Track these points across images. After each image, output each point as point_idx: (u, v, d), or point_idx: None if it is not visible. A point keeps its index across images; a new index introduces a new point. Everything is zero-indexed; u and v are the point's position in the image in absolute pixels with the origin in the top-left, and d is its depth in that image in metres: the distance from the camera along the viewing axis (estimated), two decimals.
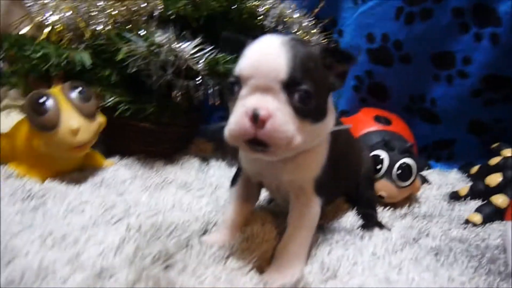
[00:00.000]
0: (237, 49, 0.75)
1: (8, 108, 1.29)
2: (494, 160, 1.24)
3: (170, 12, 1.15)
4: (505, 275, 0.82)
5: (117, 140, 1.38)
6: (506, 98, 1.39)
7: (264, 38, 0.72)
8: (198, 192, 1.16)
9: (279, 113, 0.66)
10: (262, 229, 0.89)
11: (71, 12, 1.21)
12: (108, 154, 1.38)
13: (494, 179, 1.17)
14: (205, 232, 0.93)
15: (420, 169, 1.42)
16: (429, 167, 1.48)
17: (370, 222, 1.02)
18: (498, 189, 1.14)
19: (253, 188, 0.92)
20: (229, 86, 0.72)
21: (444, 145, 1.54)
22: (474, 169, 1.34)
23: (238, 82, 0.69)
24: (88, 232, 0.86)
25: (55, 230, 0.85)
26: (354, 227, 1.00)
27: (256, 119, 0.65)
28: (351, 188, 1.07)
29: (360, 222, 1.03)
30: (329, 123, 0.78)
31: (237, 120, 0.67)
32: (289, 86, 0.67)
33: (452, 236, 0.98)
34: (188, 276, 0.74)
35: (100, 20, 1.23)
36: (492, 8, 1.31)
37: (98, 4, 1.23)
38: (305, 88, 0.67)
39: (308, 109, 0.68)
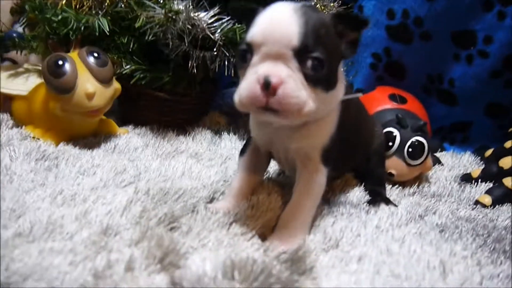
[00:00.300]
0: (247, 18, 0.74)
1: (28, 72, 1.31)
2: (510, 143, 1.21)
3: None
4: (510, 254, 0.81)
5: (132, 109, 1.41)
6: None
7: (275, 5, 0.71)
8: (208, 162, 1.18)
9: (290, 80, 0.66)
10: (268, 198, 0.90)
11: None
12: (123, 122, 1.41)
13: (508, 161, 1.15)
14: (212, 200, 0.94)
15: (433, 150, 1.41)
16: (443, 149, 1.45)
17: (377, 198, 1.01)
18: (511, 172, 1.12)
19: (261, 158, 0.93)
20: (240, 54, 0.72)
21: (460, 127, 1.51)
22: (488, 152, 1.31)
23: (250, 50, 0.69)
24: (98, 193, 0.88)
25: (66, 189, 0.88)
26: (360, 201, 1.00)
27: (267, 86, 0.65)
28: (361, 163, 1.07)
29: (367, 197, 1.03)
30: (339, 92, 0.77)
31: (248, 87, 0.67)
32: (301, 53, 0.66)
33: (460, 216, 0.97)
34: (191, 238, 0.76)
35: None
36: None
37: None
38: (317, 56, 0.67)
39: (319, 76, 0.68)
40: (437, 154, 1.39)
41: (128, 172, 1.03)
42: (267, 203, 0.89)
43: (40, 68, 1.32)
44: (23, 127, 1.18)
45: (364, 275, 0.69)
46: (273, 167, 1.11)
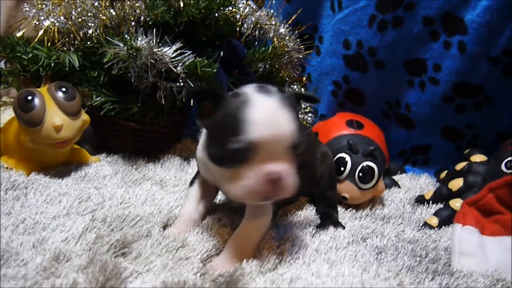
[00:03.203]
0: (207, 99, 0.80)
1: (5, 105, 1.38)
2: (460, 165, 1.27)
3: (148, 18, 1.22)
4: (440, 274, 0.86)
5: (105, 138, 1.48)
6: (476, 105, 1.42)
7: (263, 100, 0.75)
8: (172, 188, 1.23)
9: (290, 173, 0.75)
10: (216, 224, 0.96)
11: (63, 17, 1.30)
12: (96, 150, 1.47)
13: (457, 183, 1.20)
14: (166, 225, 1.00)
15: (393, 172, 1.47)
16: (403, 171, 1.51)
17: (327, 221, 1.07)
18: (458, 194, 1.18)
19: (209, 189, 0.99)
20: (237, 151, 0.73)
21: (420, 150, 1.57)
22: (443, 174, 1.37)
23: (251, 147, 0.73)
24: (58, 221, 0.94)
25: (28, 218, 0.94)
26: (309, 224, 1.05)
27: (276, 182, 0.74)
28: (310, 187, 1.12)
29: (318, 221, 1.08)
30: None
31: (253, 184, 0.74)
32: (294, 148, 0.76)
33: (404, 237, 1.02)
34: (138, 264, 0.81)
35: (91, 25, 1.32)
36: (459, 17, 1.35)
37: (89, 10, 1.32)
38: (300, 144, 0.76)
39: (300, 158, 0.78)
40: (397, 177, 1.44)
41: (92, 200, 1.08)
42: (215, 228, 0.95)
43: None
44: None
45: None
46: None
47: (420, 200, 1.26)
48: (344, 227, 1.06)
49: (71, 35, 1.32)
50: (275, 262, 0.86)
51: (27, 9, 1.33)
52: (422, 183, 1.40)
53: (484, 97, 1.40)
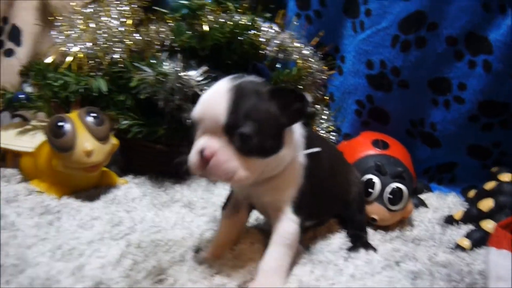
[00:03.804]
0: None
1: (35, 129, 1.41)
2: (489, 185, 1.26)
3: (175, 44, 1.25)
4: None
5: (132, 159, 1.49)
6: (503, 123, 1.42)
7: (216, 84, 0.83)
8: (201, 211, 1.24)
9: (221, 152, 0.77)
10: (250, 248, 0.97)
11: (91, 43, 1.33)
12: (123, 172, 1.49)
13: (486, 204, 1.19)
14: (199, 249, 1.00)
15: (419, 191, 1.46)
16: (429, 190, 1.50)
17: (357, 243, 1.07)
18: (489, 215, 1.16)
19: (242, 209, 1.00)
20: (190, 127, 0.84)
21: (446, 168, 1.56)
22: (471, 193, 1.36)
23: (194, 124, 0.82)
24: (94, 247, 0.95)
25: (64, 244, 0.96)
26: (340, 248, 1.05)
27: (206, 158, 0.77)
28: (340, 210, 1.13)
29: (348, 244, 1.08)
30: (284, 155, 0.85)
31: (191, 156, 0.80)
32: (229, 129, 0.77)
33: (437, 261, 1.02)
34: None
35: (117, 50, 1.35)
36: (483, 36, 1.35)
37: (115, 35, 1.35)
38: (243, 131, 0.76)
39: (249, 148, 0.78)
40: (423, 196, 1.43)
41: (124, 224, 1.10)
42: (249, 253, 0.96)
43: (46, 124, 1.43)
44: (29, 182, 1.27)
45: None
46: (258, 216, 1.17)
47: (450, 220, 1.25)
48: (374, 249, 1.06)
49: (98, 60, 1.35)
50: (313, 286, 0.86)
51: (55, 35, 1.35)
52: (450, 202, 1.39)
53: (511, 114, 1.40)
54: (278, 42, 1.31)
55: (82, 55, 1.32)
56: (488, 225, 1.12)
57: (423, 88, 1.47)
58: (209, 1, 1.33)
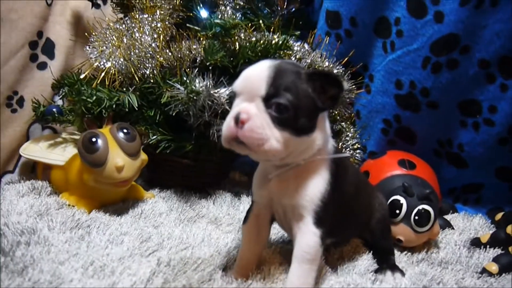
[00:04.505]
0: None
1: (66, 142, 1.44)
2: None
3: (208, 63, 1.27)
4: None
5: (158, 174, 1.52)
6: None
7: (259, 62, 0.86)
8: (227, 227, 1.26)
9: (256, 118, 0.79)
10: (278, 268, 0.98)
11: (123, 59, 1.35)
12: (149, 185, 1.52)
13: None
14: (226, 267, 1.01)
15: (444, 212, 1.45)
16: (455, 211, 1.49)
17: (384, 265, 1.07)
18: None
19: (264, 224, 0.99)
20: (229, 99, 0.89)
21: (472, 189, 1.56)
22: (499, 215, 1.35)
23: (234, 96, 0.85)
24: (124, 264, 0.97)
25: (96, 260, 0.97)
26: (367, 270, 1.06)
27: (238, 120, 0.79)
28: (364, 232, 1.13)
29: (375, 266, 1.08)
30: (315, 139, 0.86)
31: (227, 122, 0.82)
32: (267, 99, 0.80)
33: (464, 286, 1.02)
34: None
35: (148, 65, 1.38)
36: None
37: (146, 51, 1.37)
38: (280, 101, 0.79)
39: (284, 118, 0.79)
40: (448, 216, 1.43)
41: (152, 240, 1.12)
42: (277, 273, 0.97)
43: (76, 137, 1.46)
44: (60, 194, 1.30)
45: None
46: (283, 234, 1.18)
47: (476, 243, 1.24)
48: (401, 271, 1.06)
49: (130, 76, 1.38)
50: None
51: (89, 51, 1.39)
52: (476, 224, 1.38)
53: None
54: (309, 61, 1.32)
55: (114, 71, 1.35)
56: None
57: (452, 109, 1.47)
58: (241, 19, 1.35)
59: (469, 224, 1.39)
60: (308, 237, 0.87)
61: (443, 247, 1.23)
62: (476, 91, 1.43)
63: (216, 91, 1.28)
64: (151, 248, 1.08)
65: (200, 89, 1.25)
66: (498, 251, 1.19)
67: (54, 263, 0.96)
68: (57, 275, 0.90)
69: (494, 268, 1.10)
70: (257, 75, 0.82)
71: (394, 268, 1.07)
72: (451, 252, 1.20)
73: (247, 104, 0.81)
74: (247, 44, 1.31)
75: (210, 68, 1.31)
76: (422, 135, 1.55)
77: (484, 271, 1.10)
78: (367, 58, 1.61)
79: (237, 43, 1.32)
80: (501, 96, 1.39)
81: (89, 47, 1.39)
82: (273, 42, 1.29)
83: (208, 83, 1.26)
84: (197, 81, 1.27)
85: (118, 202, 1.34)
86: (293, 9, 1.56)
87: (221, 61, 1.26)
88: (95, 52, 1.38)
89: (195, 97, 1.23)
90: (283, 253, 1.06)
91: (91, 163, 1.20)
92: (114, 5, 1.56)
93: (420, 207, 1.16)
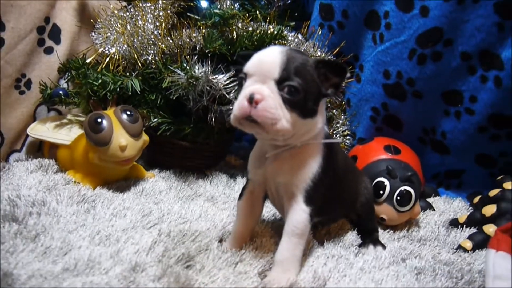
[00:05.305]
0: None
1: (71, 123, 1.52)
2: (493, 192, 1.34)
3: (207, 51, 1.34)
4: None
5: (158, 154, 1.60)
6: (509, 135, 1.50)
7: (270, 47, 0.93)
8: (222, 205, 1.34)
9: (269, 99, 0.85)
10: (269, 241, 1.07)
11: (126, 45, 1.43)
12: (150, 166, 1.60)
13: (490, 209, 1.28)
14: (221, 239, 1.10)
15: (427, 195, 1.55)
16: (437, 194, 1.59)
17: (367, 239, 1.16)
18: (491, 219, 1.25)
19: (257, 201, 1.07)
20: (239, 80, 0.93)
21: (454, 174, 1.65)
22: (476, 198, 1.44)
23: (245, 77, 0.90)
24: (128, 234, 1.05)
25: (102, 230, 1.06)
26: (351, 244, 1.15)
27: (251, 100, 0.85)
28: (349, 211, 1.22)
29: (359, 241, 1.18)
30: (317, 123, 0.94)
31: (239, 101, 0.88)
32: (280, 81, 0.86)
33: (440, 259, 1.10)
34: (203, 276, 0.92)
35: (150, 52, 1.46)
36: (496, 54, 1.43)
37: (149, 38, 1.45)
38: (293, 84, 0.86)
39: (295, 101, 0.87)
40: (431, 199, 1.52)
41: (153, 214, 1.20)
42: (268, 245, 1.05)
43: (81, 119, 1.54)
44: (66, 172, 1.38)
45: None
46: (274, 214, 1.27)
47: (454, 223, 1.34)
48: (383, 245, 1.15)
49: (133, 61, 1.45)
50: (325, 278, 0.96)
51: (95, 37, 1.46)
52: (456, 206, 1.48)
53: None
54: (302, 50, 1.40)
55: (118, 56, 1.42)
56: (490, 229, 1.21)
57: (436, 98, 1.56)
58: (239, 9, 1.43)
59: (449, 206, 1.48)
60: (298, 214, 0.95)
61: (423, 226, 1.33)
62: (458, 81, 1.51)
63: (214, 77, 1.36)
64: (152, 222, 1.15)
65: (200, 75, 1.33)
66: (473, 230, 1.28)
67: (63, 232, 1.04)
68: (66, 242, 0.98)
69: (468, 245, 1.19)
70: (271, 59, 0.88)
71: (377, 242, 1.16)
72: (430, 231, 1.29)
73: (260, 85, 0.87)
74: (244, 33, 1.38)
75: (209, 55, 1.39)
76: (408, 122, 1.64)
77: (459, 247, 1.19)
78: (358, 49, 1.69)
79: (234, 32, 1.40)
80: (481, 87, 1.48)
81: (95, 33, 1.47)
82: (269, 32, 1.37)
83: (207, 70, 1.34)
84: (196, 67, 1.34)
85: (121, 180, 1.43)
86: (289, 1, 1.63)
87: (219, 49, 1.34)
88: (100, 38, 1.45)
89: (194, 82, 1.31)
90: (274, 228, 1.15)
91: (97, 142, 1.27)
92: None
93: (402, 188, 1.25)
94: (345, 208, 1.20)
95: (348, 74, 0.91)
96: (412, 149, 1.53)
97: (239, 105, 0.87)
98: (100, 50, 1.43)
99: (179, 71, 1.33)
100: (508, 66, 1.41)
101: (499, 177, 1.43)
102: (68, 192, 1.24)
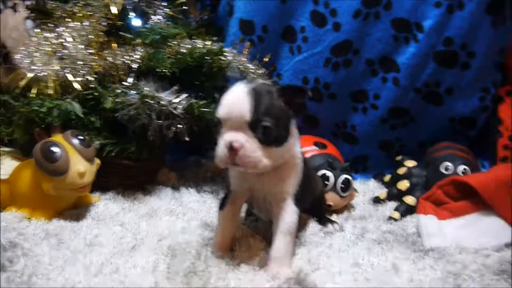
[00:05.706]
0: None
1: (4, 155, 1.39)
2: (401, 170, 1.65)
3: (159, 70, 1.37)
4: (423, 252, 1.18)
5: (97, 178, 1.54)
6: (404, 123, 1.87)
7: (234, 88, 0.97)
8: (185, 217, 1.39)
9: (247, 144, 0.93)
10: (254, 240, 1.17)
11: (59, 66, 1.36)
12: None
13: (404, 184, 1.57)
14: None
15: None
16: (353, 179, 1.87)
17: (323, 221, 1.35)
18: (407, 192, 1.54)
19: (238, 208, 1.16)
20: (216, 125, 0.98)
21: (360, 160, 1.96)
22: (387, 177, 1.75)
23: (220, 123, 0.96)
24: (121, 259, 1.05)
25: (93, 261, 1.03)
26: (316, 231, 1.31)
27: (231, 149, 0.93)
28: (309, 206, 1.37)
29: (319, 226, 1.35)
30: (290, 144, 1.04)
31: (220, 150, 0.95)
32: (253, 124, 0.93)
33: (383, 230, 1.33)
34: (215, 281, 0.97)
35: (84, 72, 1.41)
36: (393, 60, 1.78)
37: (80, 58, 1.40)
38: (265, 124, 0.93)
39: (269, 139, 0.94)
40: None
41: (128, 236, 1.19)
42: (256, 244, 1.15)
43: (6, 149, 1.41)
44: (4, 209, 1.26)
45: (349, 283, 1.00)
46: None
47: (377, 200, 1.61)
48: (336, 222, 1.35)
49: (67, 83, 1.39)
50: (317, 262, 1.11)
51: (19, 59, 1.36)
52: (371, 186, 1.78)
53: (410, 117, 1.85)
54: (238, 65, 1.52)
55: (53, 79, 1.35)
56: (409, 199, 1.48)
57: (346, 98, 1.85)
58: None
59: (366, 187, 1.77)
60: (290, 215, 1.07)
61: (356, 207, 1.57)
62: (364, 83, 1.82)
63: (161, 95, 1.39)
64: (132, 243, 1.15)
65: (150, 93, 1.35)
66: (394, 203, 1.55)
67: (54, 271, 0.98)
68: (60, 283, 0.94)
69: (397, 215, 1.44)
70: (239, 104, 0.93)
71: (331, 221, 1.36)
72: (363, 209, 1.54)
73: (235, 133, 0.93)
74: (185, 51, 1.44)
75: (153, 73, 1.41)
76: (324, 120, 1.90)
77: (390, 218, 1.44)
78: (275, 60, 1.88)
79: (175, 51, 1.44)
80: (383, 86, 1.81)
81: (19, 56, 1.36)
82: (212, 49, 1.45)
83: (156, 88, 1.37)
84: (144, 86, 1.36)
85: (71, 209, 1.36)
86: (206, 17, 1.73)
87: (169, 67, 1.38)
88: (26, 61, 1.36)
89: (149, 100, 1.33)
90: (252, 227, 1.27)
91: (53, 172, 1.21)
92: (29, 11, 1.52)
93: (343, 176, 1.47)
94: (309, 203, 1.36)
95: (310, 94, 1.03)
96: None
97: (221, 153, 0.94)
98: (30, 75, 1.34)
99: (131, 91, 1.33)
100: (403, 69, 1.76)
101: (398, 158, 1.76)
102: (29, 229, 1.16)
